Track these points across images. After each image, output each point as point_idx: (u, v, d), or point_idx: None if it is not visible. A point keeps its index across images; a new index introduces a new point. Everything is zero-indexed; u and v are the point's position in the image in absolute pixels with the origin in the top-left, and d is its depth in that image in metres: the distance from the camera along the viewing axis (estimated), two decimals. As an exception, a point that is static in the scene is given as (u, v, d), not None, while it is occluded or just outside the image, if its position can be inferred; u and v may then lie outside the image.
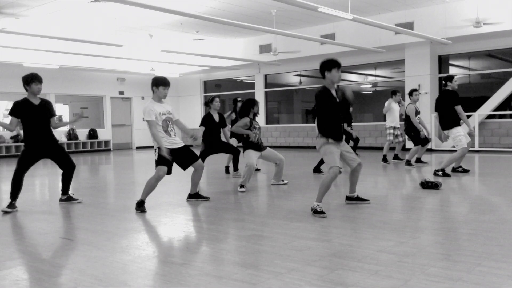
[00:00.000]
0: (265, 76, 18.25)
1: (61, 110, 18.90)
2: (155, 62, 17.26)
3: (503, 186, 6.59)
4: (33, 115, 5.52)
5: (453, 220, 4.53)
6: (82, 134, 18.15)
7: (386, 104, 10.68)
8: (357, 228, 4.22)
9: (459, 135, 7.79)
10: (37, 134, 5.57)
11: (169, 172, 5.41)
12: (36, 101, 5.60)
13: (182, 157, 5.53)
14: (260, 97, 18.29)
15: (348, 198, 5.42)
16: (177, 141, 5.48)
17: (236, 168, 8.49)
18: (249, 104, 6.99)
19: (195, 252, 3.61)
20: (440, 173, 7.80)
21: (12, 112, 5.50)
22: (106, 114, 18.98)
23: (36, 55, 14.51)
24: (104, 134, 18.76)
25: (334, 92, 4.95)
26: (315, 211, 4.87)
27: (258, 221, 4.69)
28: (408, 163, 9.59)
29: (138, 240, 4.05)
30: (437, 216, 4.72)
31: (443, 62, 14.45)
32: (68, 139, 17.58)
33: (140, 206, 5.27)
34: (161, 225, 4.69)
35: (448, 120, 7.86)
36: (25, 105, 5.53)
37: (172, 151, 5.37)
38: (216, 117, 7.99)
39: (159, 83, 5.43)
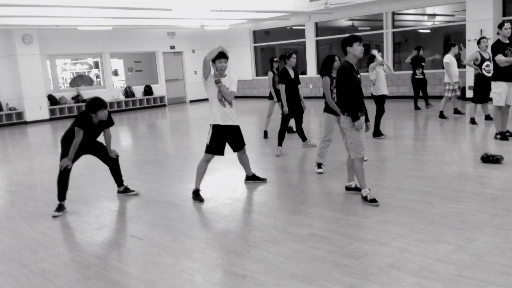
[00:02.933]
0: (316, 24, 17.71)
1: (116, 65, 19.43)
2: (204, 19, 17.08)
3: None
4: (92, 131, 5.48)
5: (515, 212, 4.44)
6: (138, 91, 18.63)
7: (445, 59, 10.19)
8: (415, 226, 4.23)
9: (495, 92, 7.62)
10: (87, 142, 5.49)
11: (221, 153, 5.61)
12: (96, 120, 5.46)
13: (234, 139, 5.69)
14: (311, 46, 17.89)
15: (348, 188, 5.45)
16: (230, 116, 5.53)
17: (304, 137, 8.41)
18: (330, 61, 6.38)
19: (255, 259, 3.78)
20: (498, 136, 7.77)
21: (79, 124, 5.31)
22: (159, 69, 19.28)
23: (89, 18, 14.72)
24: (158, 89, 19.17)
25: (355, 67, 4.97)
26: (366, 199, 4.93)
27: (314, 214, 4.79)
28: (473, 121, 9.32)
29: (201, 241, 4.28)
30: (498, 205, 4.63)
31: (508, 3, 13.39)
32: (126, 97, 18.13)
33: (197, 196, 5.49)
34: (220, 219, 4.90)
35: (494, 71, 7.75)
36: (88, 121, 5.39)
37: (224, 129, 5.52)
38: (291, 73, 7.76)
39: (215, 58, 5.37)
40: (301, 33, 18.30)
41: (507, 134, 7.76)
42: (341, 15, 16.73)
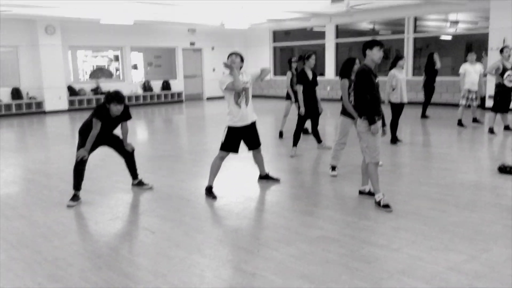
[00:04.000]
0: (336, 26, 17.63)
1: (136, 59, 19.56)
2: (224, 18, 17.11)
3: None
4: (109, 123, 5.53)
5: (531, 225, 4.37)
6: (156, 86, 18.76)
7: (460, 70, 10.09)
8: (427, 233, 4.20)
9: None
10: (104, 134, 5.53)
11: (236, 151, 5.64)
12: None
13: (250, 137, 5.71)
14: (330, 48, 17.83)
15: (361, 192, 5.43)
16: (248, 115, 5.56)
17: (319, 139, 8.35)
18: (350, 63, 6.30)
19: (265, 258, 3.78)
20: None
21: (97, 115, 5.34)
22: (178, 65, 19.38)
23: (111, 12, 14.88)
24: (176, 85, 19.27)
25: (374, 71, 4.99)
26: (379, 204, 4.91)
27: (326, 216, 4.78)
28: (491, 130, 9.18)
29: (212, 237, 4.30)
30: (513, 217, 4.57)
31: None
32: (144, 91, 18.27)
33: (210, 193, 5.51)
34: (232, 216, 4.91)
35: None
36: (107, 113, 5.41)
37: (240, 129, 5.56)
38: (309, 74, 7.69)
39: (228, 56, 5.51)
40: (321, 35, 18.25)
41: None
42: (362, 18, 16.64)
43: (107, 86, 17.35)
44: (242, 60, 5.52)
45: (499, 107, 9.06)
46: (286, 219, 4.74)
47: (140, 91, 18.20)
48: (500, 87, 8.99)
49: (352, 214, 4.83)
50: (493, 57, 12.50)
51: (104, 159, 7.44)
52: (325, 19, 17.18)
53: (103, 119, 5.35)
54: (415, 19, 15.70)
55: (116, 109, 5.32)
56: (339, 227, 4.45)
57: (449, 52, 16.05)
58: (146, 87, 18.39)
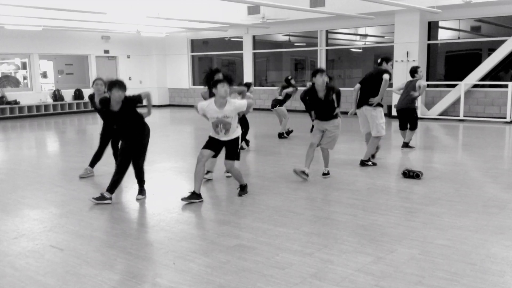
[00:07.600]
0: (253, 37, 17.95)
1: (46, 66, 18.57)
2: (140, 25, 16.82)
3: (491, 168, 6.74)
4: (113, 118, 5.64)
5: (430, 226, 4.70)
6: (68, 94, 17.92)
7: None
8: (338, 237, 4.38)
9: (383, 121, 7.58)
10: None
11: (212, 149, 5.67)
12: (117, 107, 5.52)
13: (227, 149, 5.74)
14: (248, 58, 18.09)
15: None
16: (225, 137, 5.63)
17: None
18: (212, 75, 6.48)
19: (181, 271, 3.74)
20: (370, 163, 7.68)
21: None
22: (92, 73, 18.65)
23: (17, 17, 14.05)
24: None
25: (319, 93, 6.58)
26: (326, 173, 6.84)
27: (243, 225, 4.83)
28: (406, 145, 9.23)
29: (125, 252, 4.17)
30: (415, 219, 4.90)
31: (432, 28, 14.31)
32: (54, 100, 17.37)
33: (198, 196, 5.59)
34: (148, 229, 4.81)
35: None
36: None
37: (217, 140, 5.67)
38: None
39: (215, 82, 5.45)
40: (239, 45, 18.47)
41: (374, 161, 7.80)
42: (278, 30, 17.09)
43: (14, 95, 16.37)
44: (230, 82, 5.56)
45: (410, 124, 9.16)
46: (203, 230, 4.72)
47: (50, 100, 17.27)
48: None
49: (268, 221, 4.92)
50: (397, 69, 13.36)
51: (8, 173, 6.97)
52: (242, 30, 17.44)
53: (102, 112, 5.75)
54: (327, 32, 16.39)
55: (118, 94, 5.37)
56: (255, 235, 4.50)
57: (359, 64, 16.93)
58: (57, 96, 17.50)
